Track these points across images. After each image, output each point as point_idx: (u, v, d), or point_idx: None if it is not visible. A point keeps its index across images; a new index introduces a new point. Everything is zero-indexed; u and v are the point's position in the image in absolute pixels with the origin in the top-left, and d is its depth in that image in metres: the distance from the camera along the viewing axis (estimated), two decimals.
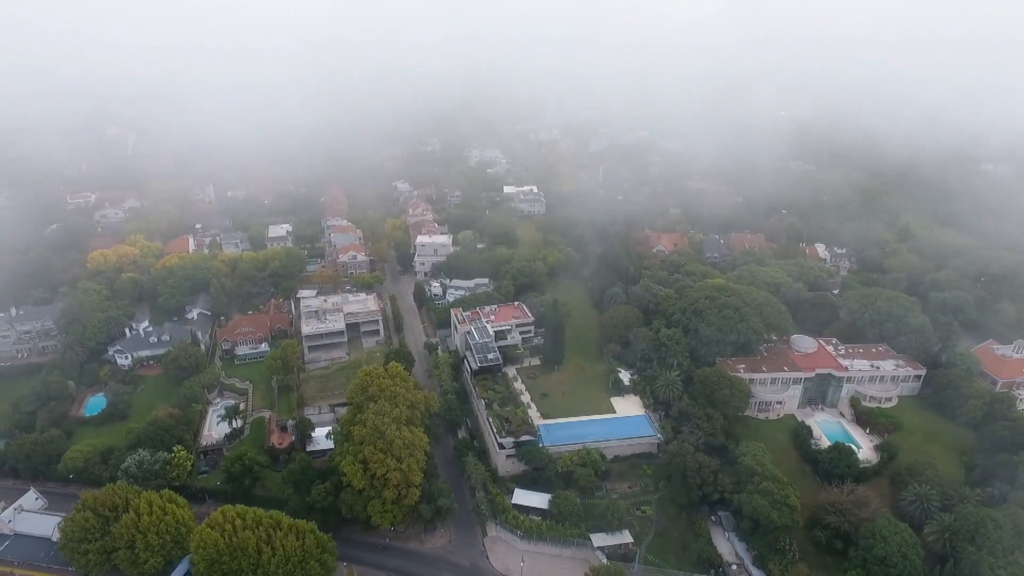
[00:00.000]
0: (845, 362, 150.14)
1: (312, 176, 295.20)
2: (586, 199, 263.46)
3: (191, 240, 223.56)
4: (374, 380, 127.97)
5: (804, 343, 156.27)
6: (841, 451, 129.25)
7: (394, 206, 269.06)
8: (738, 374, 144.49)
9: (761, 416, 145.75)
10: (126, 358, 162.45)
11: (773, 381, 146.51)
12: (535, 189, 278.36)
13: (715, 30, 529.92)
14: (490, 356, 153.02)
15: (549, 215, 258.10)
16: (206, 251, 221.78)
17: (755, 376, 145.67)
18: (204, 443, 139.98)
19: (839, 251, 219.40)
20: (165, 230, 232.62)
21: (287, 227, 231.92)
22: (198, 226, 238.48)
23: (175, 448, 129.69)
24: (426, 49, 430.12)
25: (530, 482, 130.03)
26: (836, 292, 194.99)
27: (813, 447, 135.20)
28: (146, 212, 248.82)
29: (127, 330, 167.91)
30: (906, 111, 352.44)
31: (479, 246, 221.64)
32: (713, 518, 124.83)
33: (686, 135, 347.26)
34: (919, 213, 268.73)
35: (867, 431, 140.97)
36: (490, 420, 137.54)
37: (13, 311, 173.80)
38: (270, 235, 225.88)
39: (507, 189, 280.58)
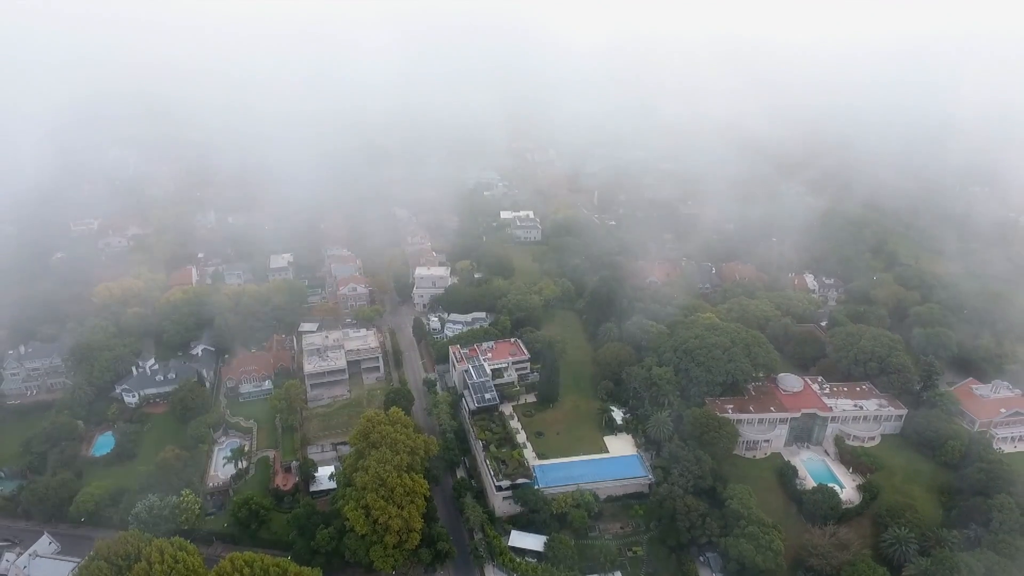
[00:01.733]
0: (830, 402, 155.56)
1: (312, 199, 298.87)
2: (581, 226, 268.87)
3: (194, 271, 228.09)
4: (376, 426, 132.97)
5: (790, 382, 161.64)
6: (825, 493, 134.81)
7: (393, 232, 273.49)
8: (726, 415, 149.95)
9: (749, 455, 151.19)
10: (133, 396, 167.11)
11: (760, 421, 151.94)
12: (531, 215, 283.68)
13: (709, 49, 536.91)
14: (487, 396, 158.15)
15: (545, 242, 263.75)
16: (209, 281, 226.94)
17: (743, 416, 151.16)
18: (211, 484, 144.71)
19: (827, 281, 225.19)
20: (168, 259, 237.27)
21: (288, 257, 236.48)
22: (200, 255, 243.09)
23: (184, 492, 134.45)
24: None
25: (526, 523, 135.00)
26: (824, 324, 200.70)
27: (798, 487, 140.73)
28: (149, 241, 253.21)
29: (134, 368, 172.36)
30: (895, 132, 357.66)
31: (476, 275, 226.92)
32: (701, 559, 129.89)
33: (680, 157, 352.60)
34: (906, 238, 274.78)
35: (850, 470, 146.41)
36: (487, 462, 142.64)
37: (22, 348, 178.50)
38: (272, 266, 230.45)
39: (504, 215, 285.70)
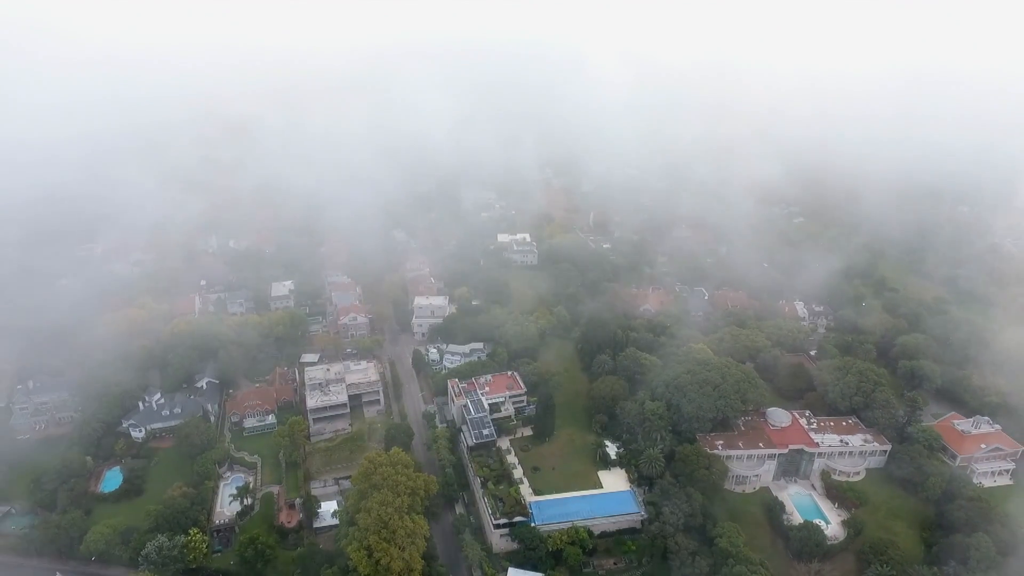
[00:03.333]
0: (816, 437, 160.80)
1: (312, 221, 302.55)
2: (576, 250, 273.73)
3: (197, 299, 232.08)
4: (377, 468, 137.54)
5: (779, 417, 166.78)
6: (810, 530, 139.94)
7: (392, 256, 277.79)
8: (716, 451, 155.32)
9: (738, 489, 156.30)
10: (140, 431, 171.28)
11: (749, 457, 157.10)
12: (527, 238, 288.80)
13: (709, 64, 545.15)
14: (485, 432, 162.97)
15: (541, 266, 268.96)
16: (211, 309, 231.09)
17: (732, 453, 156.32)
18: (217, 521, 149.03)
19: (817, 309, 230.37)
20: (172, 288, 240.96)
21: (289, 285, 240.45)
22: (203, 283, 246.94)
23: (191, 531, 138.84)
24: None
25: (523, 560, 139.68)
26: (813, 353, 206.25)
27: (785, 523, 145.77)
28: (153, 268, 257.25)
29: (140, 403, 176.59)
30: (883, 151, 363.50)
31: (474, 302, 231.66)
32: None
33: (674, 175, 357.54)
34: (896, 260, 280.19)
35: (836, 505, 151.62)
36: (485, 500, 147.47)
37: (31, 383, 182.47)
38: (273, 294, 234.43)
39: (500, 238, 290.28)
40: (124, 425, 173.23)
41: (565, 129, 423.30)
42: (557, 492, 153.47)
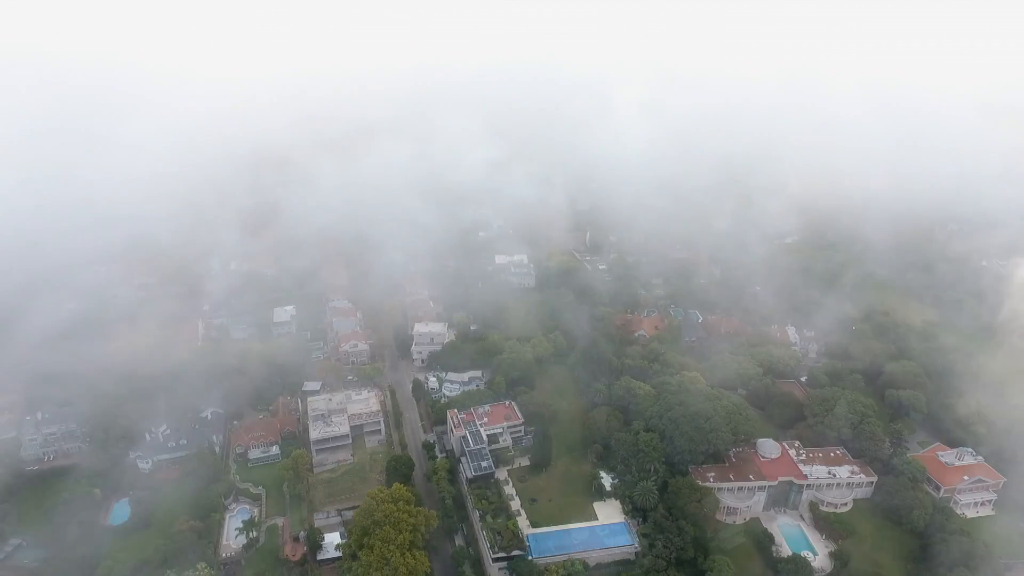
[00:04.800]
0: (805, 468, 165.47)
1: (313, 243, 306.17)
2: (573, 273, 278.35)
3: (200, 325, 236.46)
4: (379, 505, 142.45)
5: (769, 448, 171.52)
6: (798, 563, 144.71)
7: (391, 279, 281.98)
8: (708, 483, 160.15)
9: (729, 520, 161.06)
10: (147, 463, 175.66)
11: (740, 489, 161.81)
12: (525, 259, 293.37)
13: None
14: (483, 464, 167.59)
15: (539, 288, 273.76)
16: (214, 334, 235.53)
17: (723, 485, 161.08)
18: (224, 555, 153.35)
19: (808, 334, 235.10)
20: (175, 312, 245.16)
21: (291, 310, 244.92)
22: (206, 307, 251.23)
23: (199, 565, 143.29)
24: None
25: None
26: (804, 379, 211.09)
27: (774, 555, 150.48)
28: (156, 292, 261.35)
29: (147, 434, 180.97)
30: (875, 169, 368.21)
31: (472, 327, 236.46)
32: None
33: (673, 193, 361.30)
34: (885, 282, 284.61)
35: (823, 536, 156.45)
36: (484, 533, 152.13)
37: (39, 415, 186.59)
38: (275, 320, 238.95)
39: (498, 259, 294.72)
40: (131, 456, 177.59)
41: (575, 153, 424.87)
42: (554, 524, 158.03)
